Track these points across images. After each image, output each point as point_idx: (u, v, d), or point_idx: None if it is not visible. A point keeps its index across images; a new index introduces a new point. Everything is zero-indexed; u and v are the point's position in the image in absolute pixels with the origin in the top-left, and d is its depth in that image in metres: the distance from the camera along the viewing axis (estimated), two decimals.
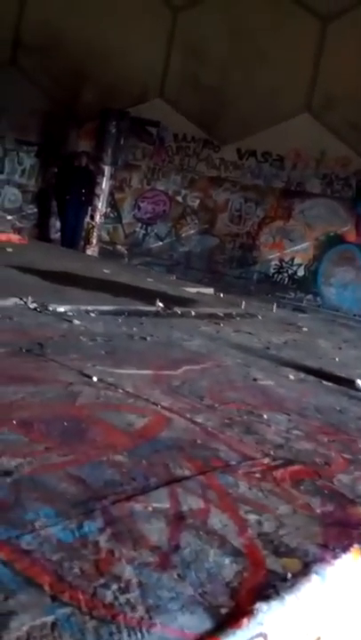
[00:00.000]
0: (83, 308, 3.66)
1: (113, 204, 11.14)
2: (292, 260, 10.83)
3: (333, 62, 9.85)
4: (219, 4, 10.09)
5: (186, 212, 11.25)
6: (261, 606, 1.18)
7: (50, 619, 1.03)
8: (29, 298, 3.48)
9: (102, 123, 9.79)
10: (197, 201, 11.14)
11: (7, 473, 1.50)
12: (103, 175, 9.90)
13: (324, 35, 9.95)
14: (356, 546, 1.49)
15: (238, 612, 1.16)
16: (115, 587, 1.16)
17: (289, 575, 1.30)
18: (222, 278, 10.73)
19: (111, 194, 10.92)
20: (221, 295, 5.81)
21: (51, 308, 3.47)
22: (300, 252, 10.78)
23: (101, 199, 9.97)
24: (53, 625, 1.02)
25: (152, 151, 10.74)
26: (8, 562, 1.15)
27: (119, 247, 11.31)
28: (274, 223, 10.87)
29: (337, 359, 3.78)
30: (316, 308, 9.95)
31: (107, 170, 9.92)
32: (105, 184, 9.96)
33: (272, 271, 10.93)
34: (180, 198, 11.22)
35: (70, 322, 3.30)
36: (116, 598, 1.12)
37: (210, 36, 10.26)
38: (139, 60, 10.38)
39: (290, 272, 10.84)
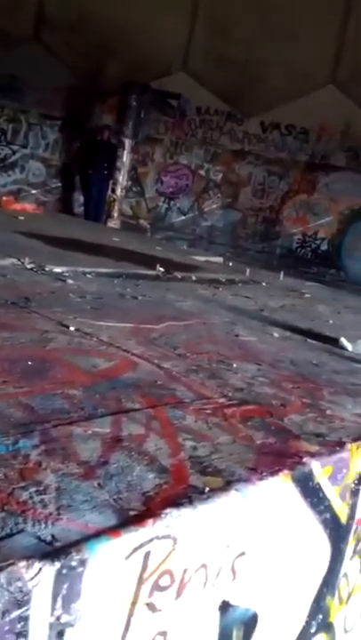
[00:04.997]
0: (80, 269, 3.76)
1: (136, 179, 11.22)
2: (316, 234, 10.79)
3: (360, 34, 9.69)
4: None
5: (209, 187, 11.27)
6: (171, 511, 1.27)
7: None
8: (27, 259, 3.60)
9: (123, 96, 9.85)
10: (220, 175, 11.14)
11: None
12: (124, 148, 9.98)
13: (350, 7, 9.78)
14: (286, 471, 1.56)
15: (146, 514, 1.24)
16: (33, 489, 1.25)
17: (207, 489, 1.38)
18: (245, 253, 10.74)
19: (134, 168, 10.99)
20: (230, 264, 5.85)
21: (47, 269, 3.58)
22: (323, 227, 10.72)
23: (122, 172, 10.07)
24: None
25: (174, 124, 10.76)
26: None
27: (142, 221, 11.40)
28: (297, 197, 10.82)
29: (331, 322, 3.81)
30: (339, 282, 9.89)
31: (127, 143, 10.00)
32: (126, 157, 10.05)
33: (295, 245, 10.91)
34: (202, 172, 11.24)
35: (64, 281, 3.40)
36: (30, 498, 1.22)
37: (233, 9, 10.17)
38: (162, 34, 10.36)
39: (313, 246, 10.81)
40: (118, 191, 10.17)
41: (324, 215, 10.71)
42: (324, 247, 10.73)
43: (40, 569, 1.03)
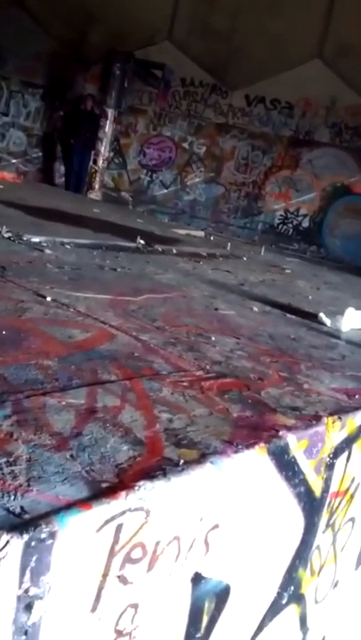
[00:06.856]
0: (59, 239, 3.69)
1: (118, 150, 11.05)
2: (298, 210, 10.74)
3: (348, 9, 9.54)
4: None
5: (192, 160, 11.13)
6: (145, 484, 1.25)
7: None
8: (4, 227, 3.52)
9: (107, 64, 9.65)
10: (204, 148, 11.01)
11: None
12: (107, 118, 9.80)
13: None
14: (261, 444, 1.55)
15: (119, 486, 1.22)
16: (3, 460, 1.22)
17: (182, 462, 1.36)
18: (227, 227, 10.68)
19: (116, 139, 10.81)
20: (212, 238, 5.80)
21: (25, 238, 3.51)
22: (306, 203, 10.67)
23: (104, 143, 9.90)
24: None
25: (157, 95, 10.58)
26: None
27: (124, 194, 11.25)
28: (281, 172, 10.74)
29: (310, 297, 3.80)
30: (320, 259, 9.88)
31: (110, 113, 9.82)
32: (108, 128, 9.88)
33: (277, 221, 10.86)
34: (186, 145, 11.09)
35: (42, 251, 3.34)
36: (0, 469, 1.19)
37: None
38: (148, 1, 10.12)
39: (295, 223, 10.77)
40: (100, 162, 10.01)
41: (306, 191, 10.65)
42: (305, 224, 10.70)
43: (8, 541, 1.00)
